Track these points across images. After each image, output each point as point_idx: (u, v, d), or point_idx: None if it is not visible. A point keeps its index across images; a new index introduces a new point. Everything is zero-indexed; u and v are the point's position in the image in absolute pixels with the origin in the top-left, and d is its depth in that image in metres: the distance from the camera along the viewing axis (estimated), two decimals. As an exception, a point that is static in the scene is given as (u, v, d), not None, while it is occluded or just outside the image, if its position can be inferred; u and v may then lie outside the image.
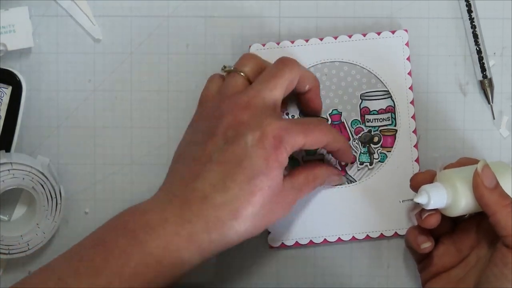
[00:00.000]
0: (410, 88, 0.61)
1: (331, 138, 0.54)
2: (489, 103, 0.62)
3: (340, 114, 0.61)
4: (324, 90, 0.61)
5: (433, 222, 0.52)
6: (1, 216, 0.61)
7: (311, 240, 0.61)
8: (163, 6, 0.62)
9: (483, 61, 0.62)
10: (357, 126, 0.61)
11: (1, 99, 0.60)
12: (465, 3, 0.62)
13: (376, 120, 0.61)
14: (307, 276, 0.62)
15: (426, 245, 0.54)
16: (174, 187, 0.51)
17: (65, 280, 0.47)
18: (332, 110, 0.61)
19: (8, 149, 0.60)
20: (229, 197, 0.48)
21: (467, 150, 0.62)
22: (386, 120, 0.61)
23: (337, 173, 0.59)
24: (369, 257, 0.62)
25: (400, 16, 0.62)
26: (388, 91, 0.61)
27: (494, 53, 0.63)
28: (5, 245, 0.58)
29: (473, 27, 0.62)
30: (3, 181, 0.58)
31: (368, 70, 0.61)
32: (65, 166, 0.62)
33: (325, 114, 0.61)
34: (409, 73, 0.61)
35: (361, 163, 0.61)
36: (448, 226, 0.56)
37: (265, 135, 0.50)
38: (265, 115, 0.51)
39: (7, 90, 0.60)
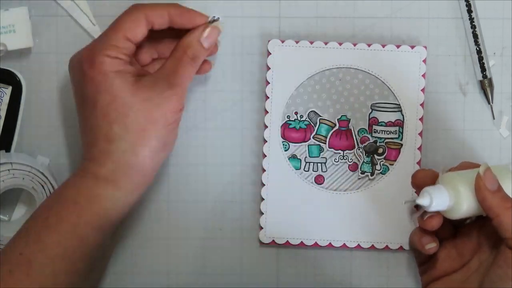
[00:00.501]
0: (421, 105, 0.61)
1: (148, 10, 0.54)
2: (489, 103, 0.62)
3: (348, 121, 0.61)
4: (336, 94, 0.61)
5: (434, 223, 0.52)
6: (1, 216, 0.61)
7: (302, 242, 0.61)
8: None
9: (483, 61, 0.62)
10: (364, 135, 0.61)
11: (1, 99, 0.60)
12: (465, 3, 0.62)
13: (383, 132, 0.61)
14: (307, 276, 0.62)
15: (431, 245, 0.54)
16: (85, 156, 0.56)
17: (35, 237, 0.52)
18: (341, 115, 0.61)
19: (8, 149, 0.60)
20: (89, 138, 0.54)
21: (467, 150, 0.62)
22: (393, 133, 0.61)
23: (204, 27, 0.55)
24: (369, 259, 0.62)
25: (400, 16, 0.62)
26: (399, 104, 0.61)
27: (494, 53, 0.63)
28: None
29: (473, 27, 0.62)
30: (3, 181, 0.58)
31: (382, 81, 0.61)
32: (65, 166, 0.62)
33: (333, 118, 0.61)
34: (423, 90, 0.61)
35: (362, 172, 0.61)
36: (450, 230, 0.56)
37: (80, 63, 0.53)
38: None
39: (7, 90, 0.60)
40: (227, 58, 0.62)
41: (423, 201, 0.51)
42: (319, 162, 0.61)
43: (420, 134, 0.61)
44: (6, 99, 0.60)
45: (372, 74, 0.61)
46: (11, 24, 0.60)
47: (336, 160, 0.61)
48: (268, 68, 0.61)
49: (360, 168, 0.61)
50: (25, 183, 0.58)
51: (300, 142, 0.61)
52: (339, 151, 0.61)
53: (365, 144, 0.61)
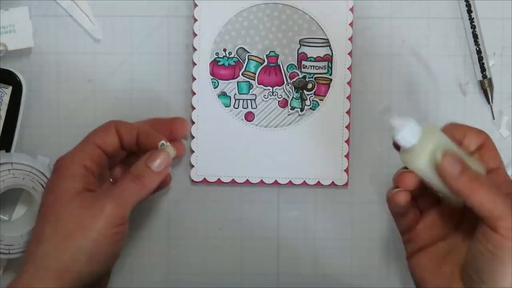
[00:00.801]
0: (350, 39, 0.61)
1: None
2: (489, 103, 0.62)
3: (277, 56, 0.61)
4: (264, 31, 0.61)
5: (408, 181, 0.50)
6: (1, 216, 0.61)
7: (233, 179, 0.61)
8: (163, 6, 0.62)
9: (483, 61, 0.62)
10: (293, 70, 0.61)
11: (1, 99, 0.60)
12: (465, 3, 0.62)
13: (312, 67, 0.61)
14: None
15: (401, 195, 0.51)
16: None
17: None
18: (270, 51, 0.61)
19: (8, 149, 0.60)
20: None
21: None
22: (322, 68, 0.61)
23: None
24: (367, 256, 0.62)
25: (400, 16, 0.62)
26: (327, 39, 0.61)
27: (494, 53, 0.63)
28: (5, 245, 0.58)
29: (473, 27, 0.62)
30: (3, 181, 0.58)
31: (310, 17, 0.61)
32: (65, 166, 0.62)
33: (262, 55, 0.61)
34: (351, 24, 0.61)
35: (292, 108, 0.61)
36: (432, 200, 0.54)
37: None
38: None
39: (7, 90, 0.60)
40: (227, 58, 0.62)
41: (398, 121, 0.49)
42: (248, 99, 0.61)
43: (349, 68, 0.61)
44: (6, 99, 0.60)
45: (300, 10, 0.61)
46: (11, 24, 0.60)
47: (266, 97, 0.61)
48: (196, 5, 0.61)
49: (290, 104, 0.61)
50: (25, 183, 0.58)
51: (229, 79, 0.61)
52: (269, 87, 0.61)
53: (294, 79, 0.61)
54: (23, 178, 0.58)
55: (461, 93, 0.63)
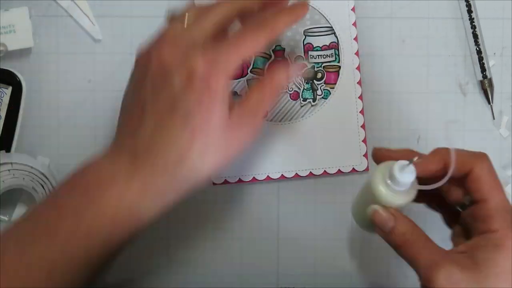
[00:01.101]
0: (354, 24, 0.61)
1: (268, 32, 0.49)
2: (489, 103, 0.62)
3: (283, 50, 0.61)
4: None
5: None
6: (1, 216, 0.61)
7: (254, 177, 0.61)
8: (163, 6, 0.62)
9: (483, 61, 0.62)
10: (301, 62, 0.61)
11: (1, 99, 0.60)
12: (465, 3, 0.62)
13: (319, 56, 0.61)
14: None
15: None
16: (120, 141, 0.50)
17: (21, 244, 0.47)
18: (276, 46, 0.61)
19: (8, 149, 0.60)
20: (170, 146, 0.47)
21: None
22: (329, 57, 0.61)
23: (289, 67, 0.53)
24: (369, 257, 0.62)
25: (400, 16, 0.62)
26: (331, 27, 0.61)
27: (494, 53, 0.63)
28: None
29: (473, 27, 0.62)
30: (3, 181, 0.58)
31: (312, 6, 0.61)
32: (65, 166, 0.62)
33: (268, 50, 0.61)
34: (353, 9, 0.61)
35: (304, 100, 0.61)
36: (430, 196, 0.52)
37: (192, 73, 0.47)
38: (192, 50, 0.48)
39: (7, 90, 0.60)
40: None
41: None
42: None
43: (357, 53, 0.61)
44: (6, 99, 0.60)
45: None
46: (11, 24, 0.60)
47: None
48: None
49: (302, 95, 0.61)
50: (25, 183, 0.58)
51: (238, 78, 0.61)
52: None
53: (303, 71, 0.61)
54: (23, 178, 0.58)
55: (461, 93, 0.63)
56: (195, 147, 0.47)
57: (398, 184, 0.47)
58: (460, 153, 0.47)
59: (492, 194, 0.47)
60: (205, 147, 0.47)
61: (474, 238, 0.47)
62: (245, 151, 0.54)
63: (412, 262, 0.47)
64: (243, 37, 0.49)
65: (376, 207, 0.48)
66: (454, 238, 0.51)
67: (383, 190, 0.47)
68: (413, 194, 0.48)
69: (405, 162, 0.47)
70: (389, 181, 0.47)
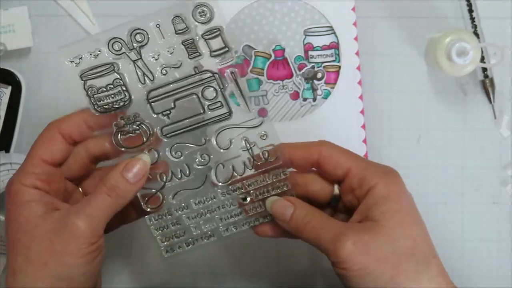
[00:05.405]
0: (354, 24, 0.61)
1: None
2: (490, 102, 0.62)
3: (283, 50, 0.61)
4: (268, 25, 0.61)
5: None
6: (1, 216, 0.61)
7: None
8: (162, 6, 0.62)
9: (484, 60, 0.62)
10: (301, 62, 0.61)
11: (1, 99, 0.60)
12: (465, 3, 0.62)
13: (319, 56, 0.61)
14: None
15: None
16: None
17: None
18: (276, 45, 0.61)
19: (7, 149, 0.60)
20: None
21: (468, 150, 0.62)
22: (329, 56, 0.61)
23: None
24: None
25: (400, 16, 0.62)
26: (331, 27, 0.61)
27: (495, 53, 0.62)
28: (5, 245, 0.58)
29: (474, 27, 0.61)
30: (2, 181, 0.58)
31: (312, 6, 0.61)
32: (65, 166, 0.62)
33: (268, 49, 0.61)
34: (353, 9, 0.61)
35: (304, 100, 0.61)
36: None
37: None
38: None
39: (7, 90, 0.60)
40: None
41: None
42: (260, 95, 0.61)
43: (357, 53, 0.61)
44: (6, 99, 0.60)
45: (301, 0, 0.61)
46: (11, 24, 0.60)
47: (277, 91, 0.61)
48: None
49: (302, 95, 0.61)
50: (25, 183, 0.58)
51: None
52: (278, 81, 0.61)
53: (303, 70, 0.61)
54: (23, 178, 0.58)
55: (462, 93, 0.63)
56: (16, 260, 0.48)
57: None
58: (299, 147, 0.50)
59: (350, 163, 0.49)
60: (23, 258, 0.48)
61: (361, 205, 0.48)
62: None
63: (318, 242, 0.48)
64: (37, 138, 0.51)
65: (272, 198, 0.50)
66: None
67: None
68: None
69: None
70: None
